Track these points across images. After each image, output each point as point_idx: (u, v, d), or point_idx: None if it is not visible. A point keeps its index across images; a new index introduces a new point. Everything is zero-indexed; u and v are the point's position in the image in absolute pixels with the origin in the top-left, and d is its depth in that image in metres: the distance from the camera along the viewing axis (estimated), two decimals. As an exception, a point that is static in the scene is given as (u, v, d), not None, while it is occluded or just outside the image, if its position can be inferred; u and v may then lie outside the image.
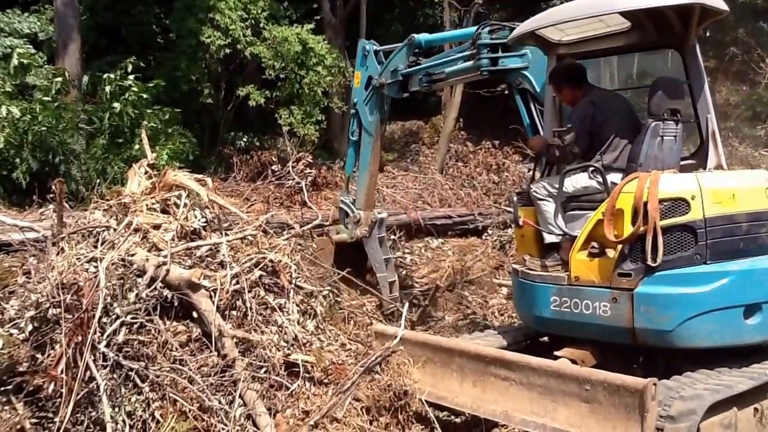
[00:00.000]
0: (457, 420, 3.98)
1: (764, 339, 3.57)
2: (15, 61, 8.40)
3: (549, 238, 4.04)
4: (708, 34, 14.31)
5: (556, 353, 3.80)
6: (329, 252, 5.54)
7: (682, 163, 4.06)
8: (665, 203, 3.46)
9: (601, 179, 3.79)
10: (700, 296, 3.42)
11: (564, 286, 3.79)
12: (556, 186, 3.97)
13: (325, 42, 11.47)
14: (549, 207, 4.01)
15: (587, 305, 3.66)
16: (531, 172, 4.78)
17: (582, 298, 3.68)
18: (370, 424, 3.39)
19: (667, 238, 3.42)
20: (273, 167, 7.75)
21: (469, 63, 4.94)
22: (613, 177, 3.77)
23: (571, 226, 3.90)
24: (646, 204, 3.43)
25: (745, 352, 3.58)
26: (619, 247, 3.55)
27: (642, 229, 3.43)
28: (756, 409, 3.38)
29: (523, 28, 4.28)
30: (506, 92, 6.03)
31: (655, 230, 3.39)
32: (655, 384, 2.89)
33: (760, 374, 3.45)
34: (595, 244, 3.69)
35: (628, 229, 3.50)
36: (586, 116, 4.01)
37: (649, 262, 3.42)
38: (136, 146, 8.44)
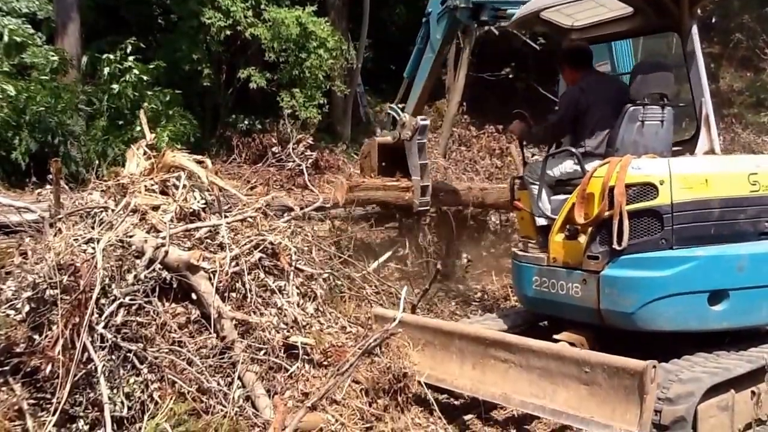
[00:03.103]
0: (457, 402, 3.98)
1: (731, 326, 3.55)
2: (6, 38, 8.28)
3: (540, 221, 4.15)
4: (714, 20, 14.15)
5: (555, 336, 3.82)
6: (374, 154, 5.96)
7: (678, 148, 4.04)
8: (634, 188, 3.49)
9: (579, 164, 3.84)
10: (662, 280, 3.45)
11: (543, 266, 3.95)
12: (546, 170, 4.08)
13: (328, 24, 11.33)
14: (535, 190, 4.15)
15: (562, 285, 3.80)
16: (520, 157, 4.91)
17: (558, 279, 3.83)
18: (369, 406, 3.39)
19: (634, 222, 3.47)
20: (274, 149, 7.70)
21: None
22: (595, 163, 3.81)
23: (556, 209, 3.98)
24: (612, 188, 3.47)
25: (713, 339, 3.58)
26: (590, 230, 3.61)
27: (607, 212, 3.48)
28: (753, 392, 3.42)
29: (523, 11, 4.30)
30: (510, 76, 6.20)
31: (621, 214, 3.43)
32: (654, 366, 2.89)
33: (758, 358, 3.47)
34: (569, 226, 3.77)
35: (596, 213, 3.56)
36: (571, 101, 4.10)
37: (615, 245, 3.47)
38: (137, 128, 8.37)
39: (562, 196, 4.02)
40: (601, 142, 3.99)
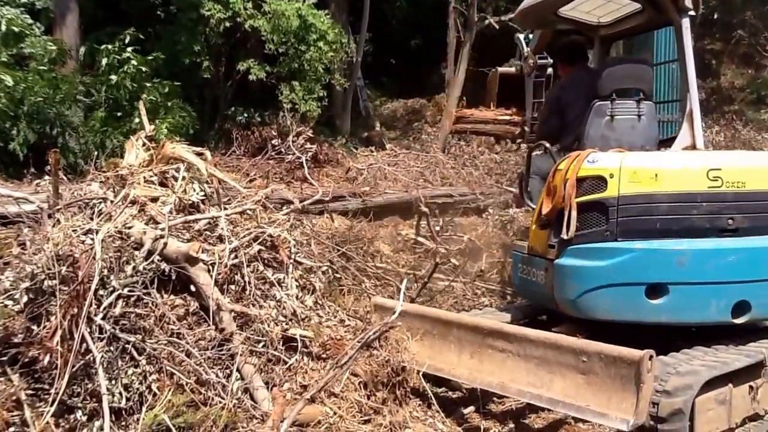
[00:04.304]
0: (455, 396, 3.99)
1: (670, 320, 3.53)
2: (4, 28, 8.22)
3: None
4: (716, 16, 14.12)
5: (554, 329, 3.82)
6: (494, 83, 5.90)
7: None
8: (586, 181, 3.56)
9: (558, 158, 3.94)
10: (599, 270, 3.52)
11: (525, 254, 4.11)
12: (538, 164, 4.25)
13: (328, 17, 11.28)
14: (533, 183, 4.30)
15: (534, 273, 3.97)
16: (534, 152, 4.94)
17: (532, 266, 4.00)
18: (368, 399, 3.39)
19: (584, 214, 3.55)
20: (273, 141, 7.68)
21: None
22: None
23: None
24: (567, 181, 3.56)
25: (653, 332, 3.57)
26: (552, 220, 3.73)
27: (561, 204, 3.58)
28: (751, 387, 3.43)
29: (527, 3, 4.34)
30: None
31: (570, 206, 3.53)
32: (651, 356, 2.89)
33: (756, 352, 3.48)
34: (540, 217, 3.89)
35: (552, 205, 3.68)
36: (552, 98, 4.25)
37: (563, 235, 3.58)
38: (136, 120, 8.34)
39: None
40: (575, 138, 4.07)
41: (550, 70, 5.35)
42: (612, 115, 3.88)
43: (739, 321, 3.52)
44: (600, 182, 3.52)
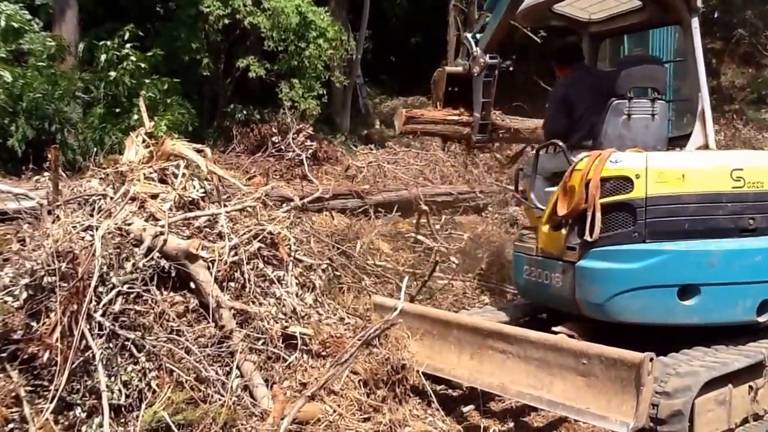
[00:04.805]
0: (454, 394, 3.98)
1: (701, 322, 3.53)
2: (3, 24, 8.20)
3: (537, 212, 4.17)
4: (716, 15, 14.12)
5: (554, 329, 3.82)
6: (441, 83, 5.75)
7: (683, 142, 4.03)
8: (610, 181, 3.51)
9: (570, 157, 3.87)
10: (630, 272, 3.48)
11: (533, 256, 4.01)
12: (541, 163, 4.17)
13: (328, 14, 11.25)
14: (536, 183, 4.20)
15: (546, 275, 3.88)
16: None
17: (544, 268, 3.90)
18: (367, 397, 3.38)
19: (609, 215, 3.50)
20: (273, 139, 7.66)
21: None
22: (582, 155, 3.82)
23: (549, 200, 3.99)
24: (590, 181, 3.50)
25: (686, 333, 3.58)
26: (570, 221, 3.65)
27: (583, 205, 3.51)
28: (751, 387, 3.43)
29: (530, 2, 4.32)
30: (511, 69, 6.07)
31: (594, 207, 3.46)
32: (651, 359, 2.89)
33: (756, 353, 3.49)
34: (555, 217, 3.81)
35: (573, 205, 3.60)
36: (559, 96, 4.19)
37: (587, 237, 3.51)
38: (135, 116, 8.33)
39: (554, 188, 4.02)
40: (585, 135, 4.05)
41: (497, 70, 5.31)
42: (629, 114, 3.85)
43: (762, 319, 3.56)
44: (625, 183, 3.48)
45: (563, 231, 3.74)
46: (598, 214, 3.47)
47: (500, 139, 6.28)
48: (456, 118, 5.63)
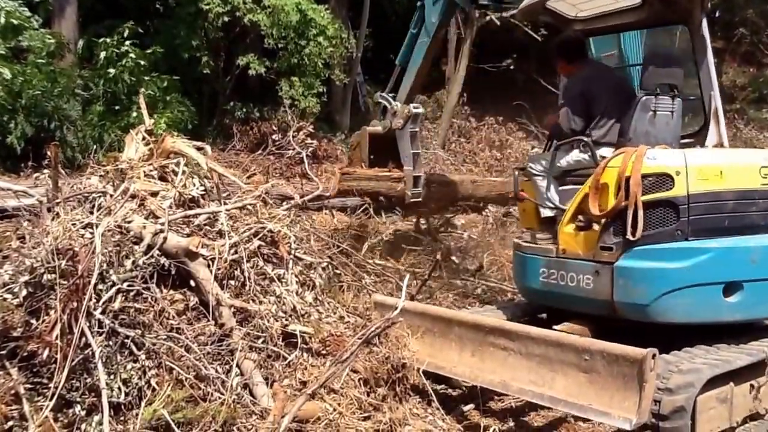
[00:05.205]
0: (455, 393, 3.98)
1: (744, 318, 3.57)
2: (2, 21, 8.18)
3: (545, 212, 4.12)
4: (717, 14, 14.10)
5: (555, 327, 3.80)
6: (364, 144, 5.75)
7: (686, 140, 4.04)
8: (649, 178, 3.46)
9: (590, 154, 3.81)
10: (677, 272, 3.45)
11: (552, 258, 3.88)
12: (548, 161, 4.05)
13: (328, 12, 11.24)
14: (543, 182, 4.10)
15: (572, 277, 3.75)
16: (534, 149, 4.88)
17: (568, 270, 3.78)
18: (368, 395, 3.37)
19: (649, 213, 3.44)
20: (273, 136, 7.65)
21: None
22: (604, 151, 3.81)
23: (564, 200, 3.95)
24: (628, 178, 3.44)
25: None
26: (603, 220, 3.57)
27: (623, 203, 3.45)
28: (752, 386, 3.43)
29: (525, 4, 4.28)
30: (511, 68, 6.05)
31: (636, 205, 3.41)
32: (654, 355, 2.88)
33: (758, 351, 3.49)
34: (581, 217, 3.73)
35: (611, 203, 3.52)
36: (576, 93, 4.07)
37: (629, 236, 3.44)
38: (134, 114, 8.33)
39: (568, 187, 4.00)
40: (608, 132, 3.98)
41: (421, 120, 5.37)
42: (655, 111, 3.80)
43: None
44: (666, 180, 3.45)
45: (593, 231, 3.64)
46: (641, 212, 3.40)
47: (437, 199, 6.26)
48: (387, 174, 5.64)
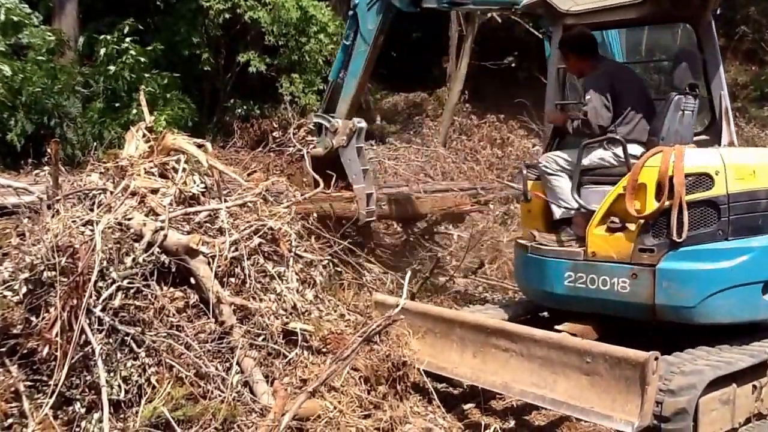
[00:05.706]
0: (455, 392, 3.97)
1: None
2: (2, 17, 8.16)
3: (558, 213, 3.98)
4: (719, 12, 14.06)
5: (557, 327, 3.79)
6: (307, 170, 5.38)
7: (695, 138, 4.02)
8: (689, 178, 3.42)
9: (619, 152, 3.72)
10: (722, 272, 3.43)
11: (580, 261, 3.73)
12: (569, 159, 3.89)
13: (329, 9, 11.22)
14: (560, 182, 3.93)
15: (604, 281, 3.61)
16: (535, 147, 4.76)
17: (599, 274, 3.63)
18: (368, 393, 3.37)
19: (690, 213, 3.40)
20: (273, 134, 7.63)
21: None
22: (631, 150, 3.71)
23: (585, 200, 3.83)
24: (671, 178, 3.38)
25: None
26: (641, 222, 3.50)
27: (667, 203, 3.39)
28: (755, 386, 3.43)
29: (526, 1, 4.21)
30: (513, 65, 5.92)
31: (680, 205, 3.36)
32: (656, 358, 2.87)
33: (760, 352, 3.48)
34: (615, 219, 3.62)
35: (651, 204, 3.46)
36: (604, 87, 3.90)
37: (674, 237, 3.39)
38: (134, 111, 8.32)
39: (587, 186, 3.88)
40: (634, 129, 3.86)
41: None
42: (683, 110, 3.77)
43: None
44: (706, 179, 3.43)
45: (628, 232, 3.55)
46: (686, 213, 3.36)
47: (390, 215, 5.94)
48: (339, 194, 5.31)
